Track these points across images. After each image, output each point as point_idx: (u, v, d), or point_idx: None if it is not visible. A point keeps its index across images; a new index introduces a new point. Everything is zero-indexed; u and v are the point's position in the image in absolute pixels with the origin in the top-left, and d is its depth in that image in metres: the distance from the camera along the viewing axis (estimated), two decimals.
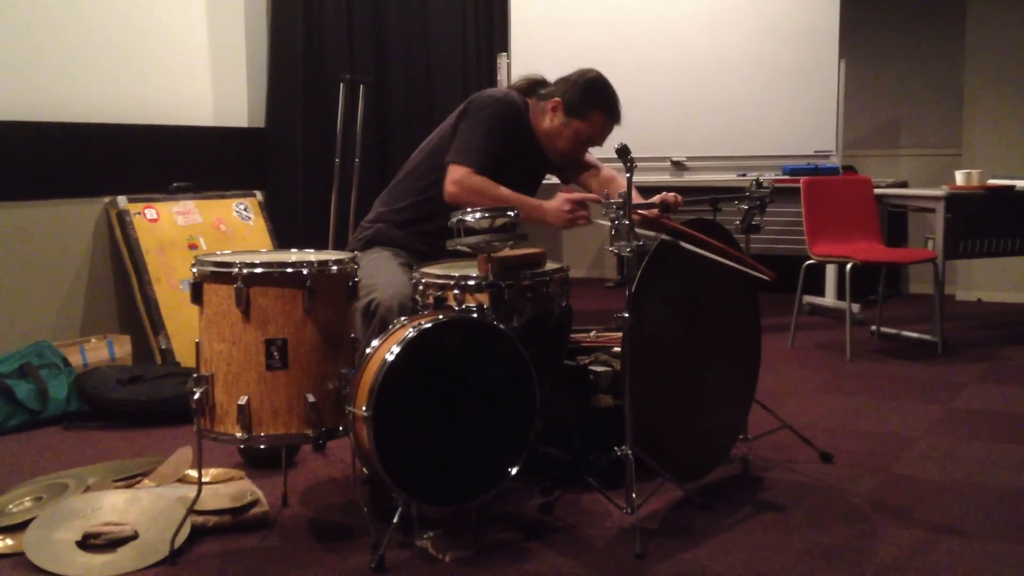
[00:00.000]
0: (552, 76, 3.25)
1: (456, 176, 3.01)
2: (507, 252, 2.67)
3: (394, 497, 2.49)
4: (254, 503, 2.73)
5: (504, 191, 2.97)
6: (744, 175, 5.68)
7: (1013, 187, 5.04)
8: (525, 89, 3.24)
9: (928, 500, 2.87)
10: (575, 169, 3.34)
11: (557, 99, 3.13)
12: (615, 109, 3.15)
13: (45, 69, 4.37)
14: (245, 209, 5.01)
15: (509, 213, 2.59)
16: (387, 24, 5.98)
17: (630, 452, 2.63)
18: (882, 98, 6.94)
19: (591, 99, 3.11)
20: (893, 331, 5.32)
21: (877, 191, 5.41)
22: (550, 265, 2.82)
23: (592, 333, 3.43)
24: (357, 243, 3.26)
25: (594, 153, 3.36)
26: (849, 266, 4.74)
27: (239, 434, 2.46)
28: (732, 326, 3.01)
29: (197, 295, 2.50)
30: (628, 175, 2.62)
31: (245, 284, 2.43)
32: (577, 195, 3.01)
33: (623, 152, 2.59)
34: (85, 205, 4.52)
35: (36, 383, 3.81)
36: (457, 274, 2.69)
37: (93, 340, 4.29)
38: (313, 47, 5.58)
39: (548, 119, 3.15)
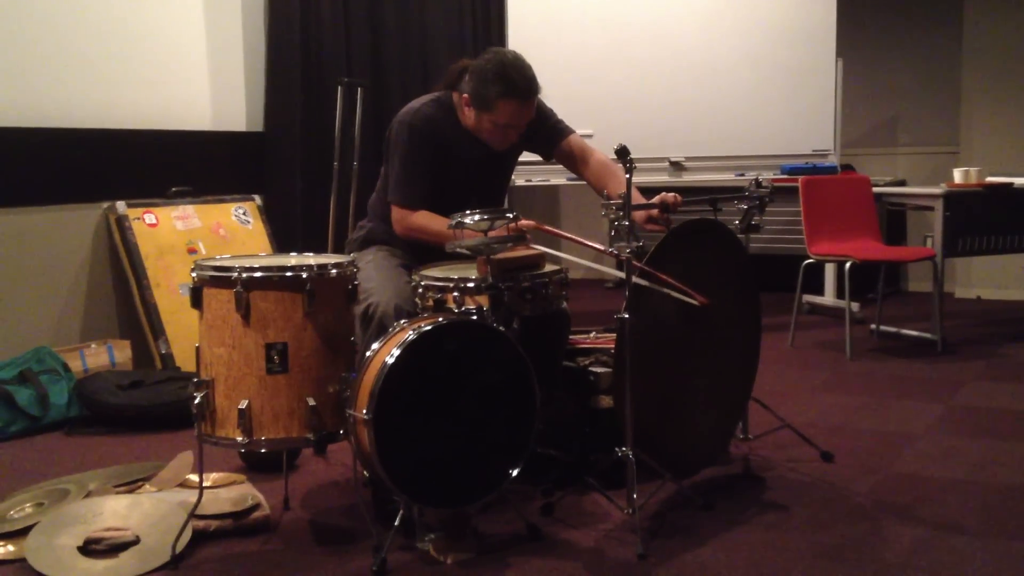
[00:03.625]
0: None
1: (396, 216, 3.05)
2: (506, 254, 2.67)
3: (395, 500, 2.49)
4: (255, 507, 2.73)
5: (441, 226, 2.80)
6: (743, 175, 5.68)
7: (1011, 184, 5.04)
8: (453, 82, 3.09)
9: (929, 498, 2.87)
10: (551, 148, 3.23)
11: (465, 95, 3.00)
12: (519, 90, 2.92)
13: (43, 75, 4.37)
14: (244, 213, 5.01)
15: (508, 215, 2.59)
16: (384, 27, 5.97)
17: (630, 453, 2.63)
18: (880, 96, 6.94)
19: (492, 89, 2.92)
20: (893, 329, 5.32)
21: (876, 190, 5.41)
22: (549, 266, 2.83)
23: (592, 334, 3.43)
24: (353, 243, 3.26)
25: (587, 143, 3.31)
26: (848, 265, 4.74)
27: (240, 438, 2.46)
28: (731, 323, 3.00)
29: (197, 300, 2.50)
30: (628, 176, 2.62)
31: (245, 288, 2.43)
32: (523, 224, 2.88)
33: (622, 153, 2.59)
34: (84, 211, 4.52)
35: (36, 389, 3.81)
36: (456, 276, 2.69)
37: (93, 345, 4.29)
38: (310, 51, 5.58)
39: (466, 117, 3.03)
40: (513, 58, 2.96)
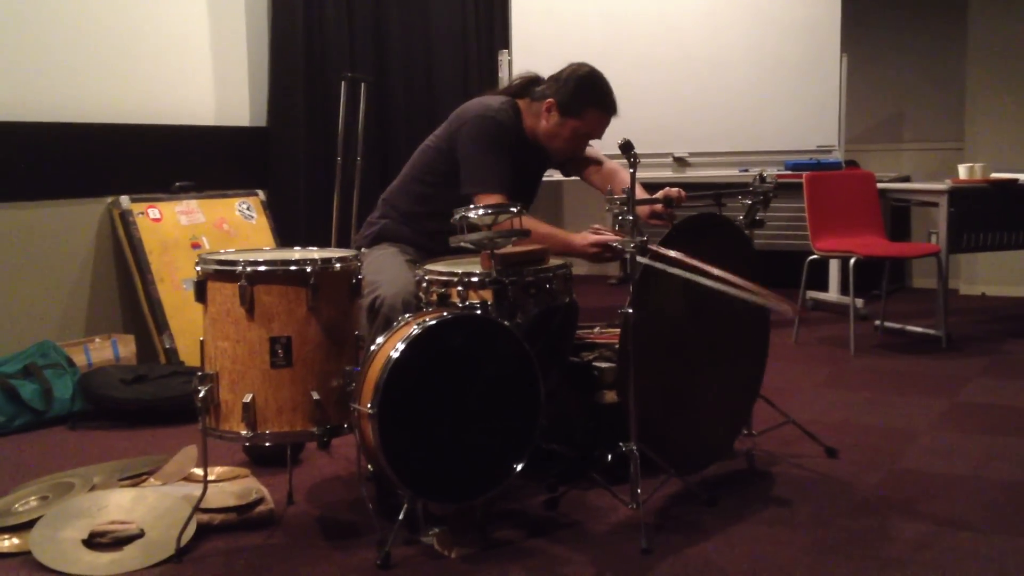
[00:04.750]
0: (553, 73, 3.24)
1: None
2: (510, 249, 2.67)
3: (399, 494, 2.49)
4: (259, 501, 2.74)
5: (544, 228, 2.95)
6: (747, 170, 5.67)
7: (1016, 180, 5.03)
8: (519, 90, 3.20)
9: (933, 494, 2.87)
10: (576, 163, 3.33)
11: (550, 100, 3.08)
12: (609, 103, 3.10)
13: (47, 70, 4.37)
14: (248, 208, 5.01)
15: (512, 210, 2.59)
16: (388, 22, 5.97)
17: (635, 448, 2.63)
18: (884, 92, 6.93)
19: (584, 97, 3.06)
20: (897, 326, 5.32)
21: (880, 185, 5.40)
22: (553, 261, 2.82)
23: (596, 329, 3.43)
24: (364, 239, 3.26)
25: (596, 147, 3.36)
26: (852, 261, 4.74)
27: (244, 432, 2.46)
28: (738, 319, 3.00)
29: (201, 293, 2.50)
30: (632, 171, 2.62)
31: (249, 282, 2.43)
32: (604, 238, 2.96)
33: (626, 147, 2.59)
34: (88, 205, 4.53)
35: (41, 383, 3.82)
36: (461, 271, 2.69)
37: (97, 340, 4.30)
38: (314, 46, 5.58)
39: (544, 120, 3.11)
40: (600, 73, 3.11)
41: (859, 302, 5.42)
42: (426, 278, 2.74)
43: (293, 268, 2.46)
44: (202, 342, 2.52)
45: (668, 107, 5.74)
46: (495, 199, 2.94)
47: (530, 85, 3.18)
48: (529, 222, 2.86)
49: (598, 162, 3.31)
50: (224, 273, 2.46)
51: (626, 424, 2.65)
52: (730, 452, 3.18)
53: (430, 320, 2.46)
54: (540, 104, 3.11)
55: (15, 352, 3.98)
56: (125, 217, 4.52)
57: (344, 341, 2.55)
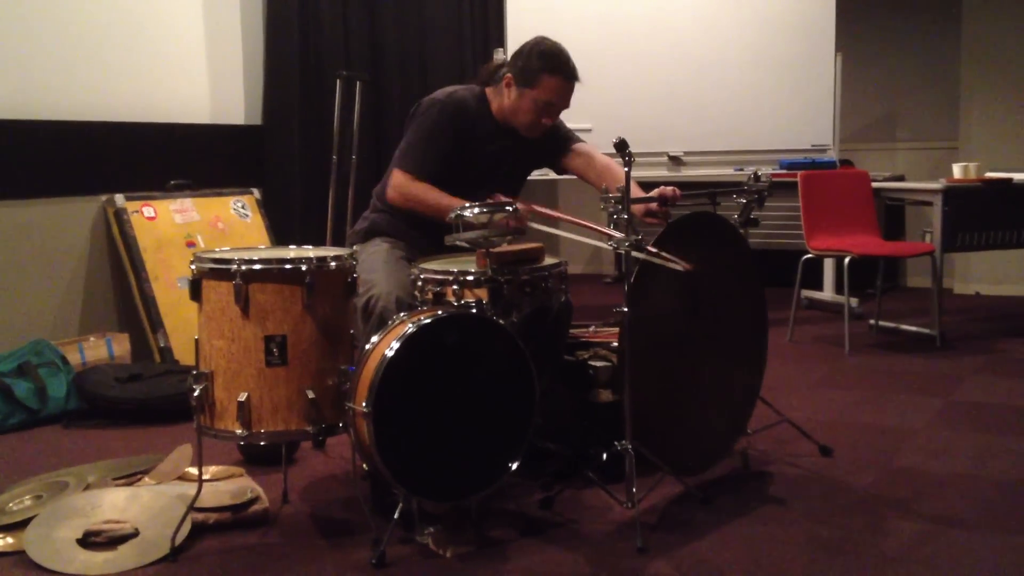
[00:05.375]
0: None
1: (396, 182, 3.06)
2: (505, 247, 2.67)
3: (395, 493, 2.49)
4: (254, 500, 2.73)
5: (442, 199, 2.96)
6: (741, 169, 5.68)
7: (1010, 180, 5.04)
8: (487, 78, 3.21)
9: (928, 492, 2.87)
10: (569, 159, 3.31)
11: (508, 75, 3.10)
12: (565, 68, 3.09)
13: (42, 67, 4.37)
14: (243, 207, 5.00)
15: (508, 208, 2.59)
16: (383, 20, 5.97)
17: (630, 447, 2.63)
18: (879, 92, 6.94)
19: (538, 65, 3.06)
20: (892, 325, 5.33)
21: (874, 185, 5.41)
22: (548, 260, 2.82)
23: (591, 328, 3.43)
24: (356, 235, 3.26)
25: (594, 143, 3.35)
26: (847, 260, 4.74)
27: (239, 431, 2.45)
28: (735, 319, 3.00)
29: (196, 292, 2.50)
30: (627, 169, 2.62)
31: (244, 280, 2.43)
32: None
33: (621, 146, 2.59)
34: (83, 203, 4.52)
35: (35, 382, 3.81)
36: (456, 269, 2.69)
37: (92, 338, 4.29)
38: (309, 44, 5.57)
39: (506, 97, 3.12)
40: (559, 44, 3.14)
41: (854, 301, 5.42)
42: (421, 276, 2.74)
43: (288, 267, 2.46)
44: (197, 341, 2.51)
45: (663, 106, 5.74)
46: (404, 178, 3.04)
47: (497, 70, 3.19)
48: (433, 195, 2.98)
49: (587, 156, 3.30)
50: (219, 272, 2.46)
51: (621, 423, 2.65)
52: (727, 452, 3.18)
53: (425, 318, 2.46)
54: (500, 84, 3.13)
55: (9, 350, 3.97)
56: (120, 215, 4.51)
57: (339, 340, 2.55)
